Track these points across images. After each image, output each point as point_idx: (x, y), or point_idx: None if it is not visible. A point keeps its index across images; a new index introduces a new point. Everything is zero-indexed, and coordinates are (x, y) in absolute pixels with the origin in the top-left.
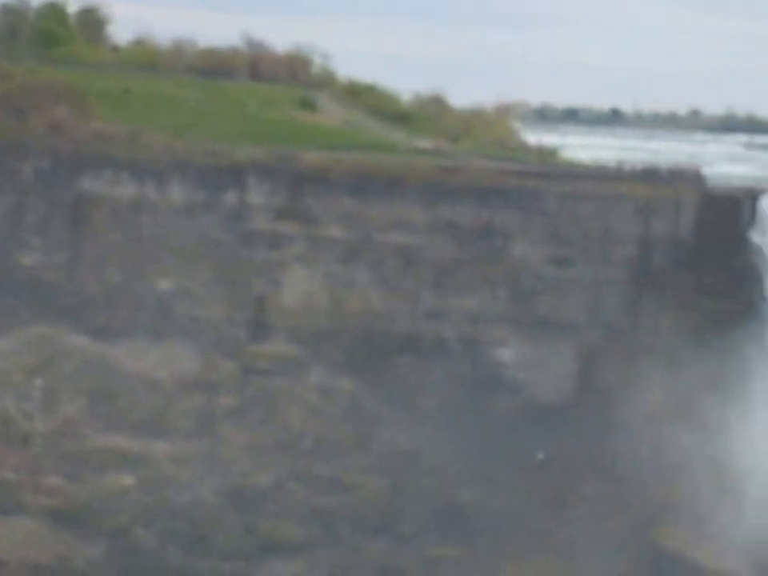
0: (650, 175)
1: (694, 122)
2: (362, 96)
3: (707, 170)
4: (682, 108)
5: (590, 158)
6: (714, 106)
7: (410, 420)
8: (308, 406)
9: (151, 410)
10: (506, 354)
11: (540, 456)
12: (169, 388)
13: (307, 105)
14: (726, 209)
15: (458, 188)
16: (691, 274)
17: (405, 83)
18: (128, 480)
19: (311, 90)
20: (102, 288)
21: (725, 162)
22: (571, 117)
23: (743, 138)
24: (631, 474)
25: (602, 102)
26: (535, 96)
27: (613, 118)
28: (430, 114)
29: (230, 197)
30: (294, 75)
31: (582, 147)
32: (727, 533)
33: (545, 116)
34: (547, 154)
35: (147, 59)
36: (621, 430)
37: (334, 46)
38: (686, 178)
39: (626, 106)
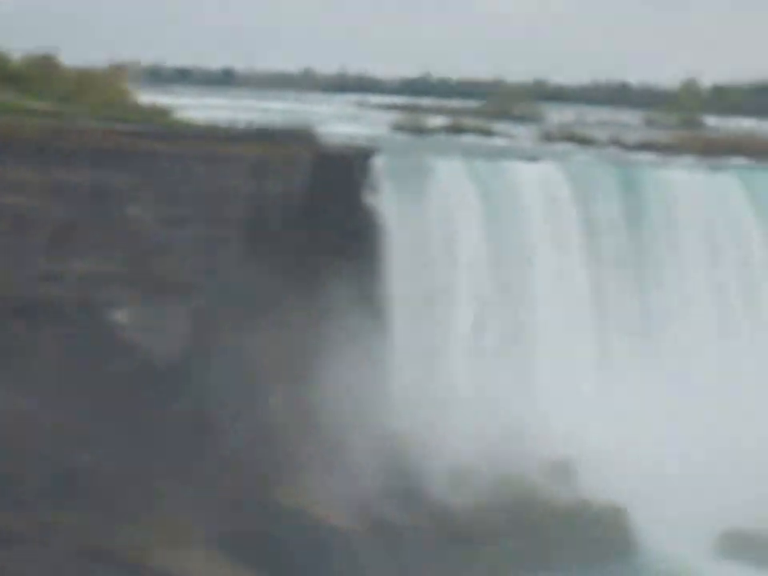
0: (263, 135)
1: (306, 82)
2: None
3: (320, 130)
4: (295, 68)
5: (203, 118)
6: (326, 65)
7: (26, 384)
8: None
9: None
10: (121, 315)
11: None
12: None
13: None
14: (339, 168)
15: (70, 149)
16: (305, 233)
17: (15, 42)
18: None
19: None
20: None
21: (337, 122)
22: (184, 77)
23: (355, 97)
24: (246, 433)
25: (215, 62)
26: (148, 56)
27: (226, 78)
28: (41, 74)
29: None
30: None
31: (196, 108)
32: (343, 490)
33: (158, 76)
34: (160, 115)
35: None
36: (235, 389)
37: None
38: (299, 138)
39: (240, 66)
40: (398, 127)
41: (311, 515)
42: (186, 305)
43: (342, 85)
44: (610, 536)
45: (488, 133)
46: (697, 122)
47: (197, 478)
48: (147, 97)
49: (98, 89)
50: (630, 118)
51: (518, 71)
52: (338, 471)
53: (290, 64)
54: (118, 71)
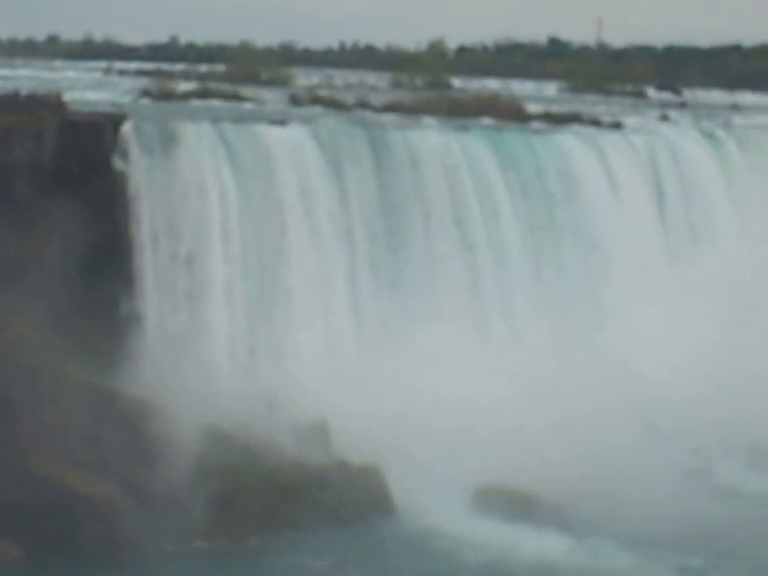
0: (8, 103)
1: (52, 49)
2: None
3: (68, 97)
4: (39, 34)
5: None
6: (71, 32)
7: None
8: None
9: None
10: None
11: None
12: None
13: None
14: (88, 135)
15: None
16: (55, 200)
17: None
18: None
19: None
20: None
21: (85, 89)
22: None
23: (102, 64)
24: (5, 402)
25: None
26: None
27: None
28: None
29: None
30: None
31: None
32: (88, 457)
33: None
34: None
35: None
36: None
37: None
38: (46, 105)
39: None
40: (146, 93)
41: (66, 485)
42: None
43: (88, 51)
44: (366, 496)
45: (236, 97)
46: (443, 83)
47: None
48: None
49: None
50: (377, 81)
51: (265, 35)
52: (80, 437)
53: (34, 30)
54: None
